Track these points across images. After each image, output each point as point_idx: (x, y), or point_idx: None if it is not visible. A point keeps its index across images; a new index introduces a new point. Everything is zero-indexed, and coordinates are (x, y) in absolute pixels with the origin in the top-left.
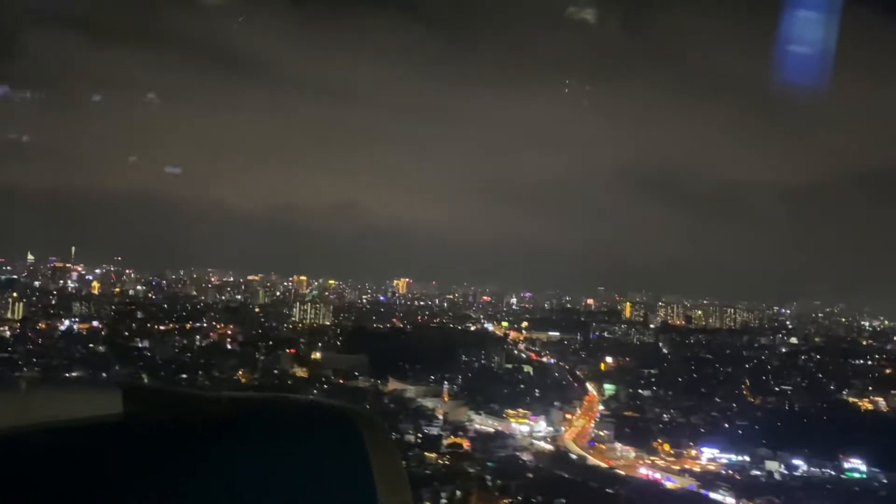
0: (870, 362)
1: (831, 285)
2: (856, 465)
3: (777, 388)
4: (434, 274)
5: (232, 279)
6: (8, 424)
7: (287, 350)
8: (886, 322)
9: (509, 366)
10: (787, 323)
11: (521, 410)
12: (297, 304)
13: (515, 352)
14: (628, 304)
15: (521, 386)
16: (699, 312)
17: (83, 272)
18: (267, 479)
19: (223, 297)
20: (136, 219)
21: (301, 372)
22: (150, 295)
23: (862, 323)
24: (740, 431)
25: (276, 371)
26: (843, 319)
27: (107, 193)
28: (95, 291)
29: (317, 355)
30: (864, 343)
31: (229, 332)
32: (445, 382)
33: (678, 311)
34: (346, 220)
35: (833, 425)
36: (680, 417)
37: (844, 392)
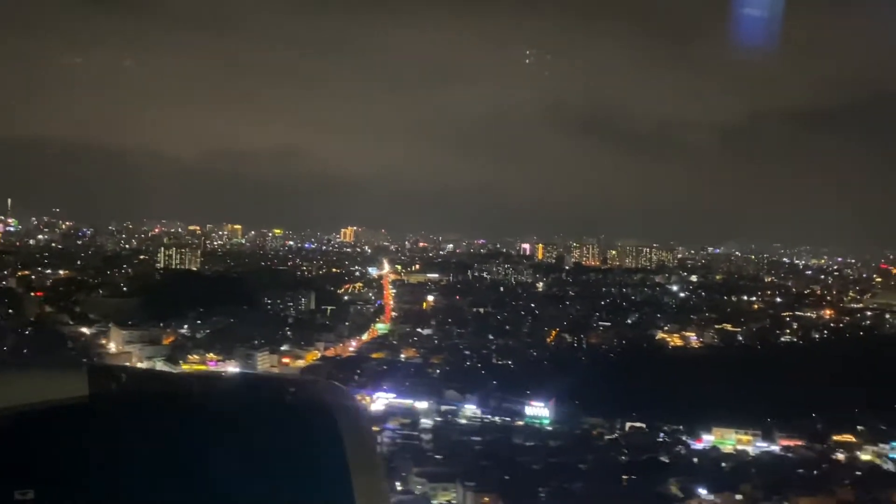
0: (745, 297)
1: (768, 225)
2: (541, 413)
3: (596, 326)
4: (384, 222)
5: (172, 230)
6: None
7: (33, 293)
8: (816, 260)
9: (314, 307)
10: (707, 263)
11: (212, 355)
12: (163, 250)
13: (358, 294)
14: (540, 245)
15: (288, 330)
16: (614, 253)
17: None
18: (237, 457)
19: (124, 247)
20: (73, 169)
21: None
22: (53, 245)
23: (793, 261)
24: (470, 375)
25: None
26: (765, 258)
27: (43, 143)
28: None
29: (81, 298)
30: (767, 280)
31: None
32: (186, 327)
33: (594, 252)
34: (286, 167)
35: (581, 367)
36: (419, 359)
37: (666, 328)
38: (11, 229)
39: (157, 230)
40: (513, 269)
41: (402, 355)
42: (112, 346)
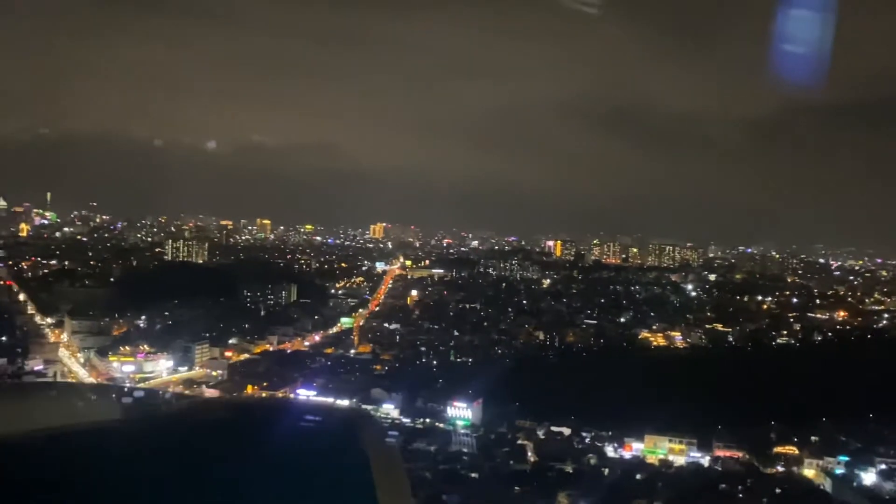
0: (758, 297)
1: (810, 226)
2: (463, 415)
3: (580, 324)
4: (415, 219)
5: (206, 224)
6: (12, 430)
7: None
8: (854, 262)
9: (295, 300)
10: (733, 262)
11: (145, 347)
12: (171, 242)
13: (353, 288)
14: (559, 242)
15: (246, 324)
16: (635, 251)
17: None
18: (267, 481)
19: (144, 239)
20: (113, 165)
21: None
22: (78, 237)
23: (828, 262)
24: (415, 372)
25: None
26: (802, 258)
27: (81, 139)
28: (23, 234)
29: (58, 289)
30: (789, 280)
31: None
32: (144, 318)
33: (615, 250)
34: (320, 163)
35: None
36: (368, 356)
37: (655, 326)
38: (46, 222)
39: (191, 224)
40: (519, 266)
41: (352, 351)
42: (52, 336)
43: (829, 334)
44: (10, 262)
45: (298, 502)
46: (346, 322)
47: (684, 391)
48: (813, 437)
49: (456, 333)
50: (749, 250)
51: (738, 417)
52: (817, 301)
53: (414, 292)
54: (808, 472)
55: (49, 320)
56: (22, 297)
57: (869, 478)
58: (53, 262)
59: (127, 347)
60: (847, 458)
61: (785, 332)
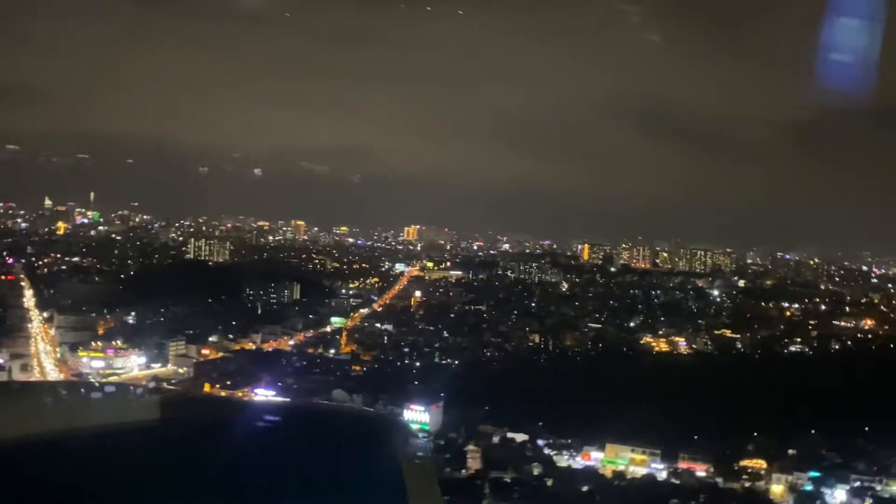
0: (785, 303)
1: (855, 232)
2: (420, 419)
3: (583, 328)
4: (450, 222)
5: (245, 226)
6: (52, 429)
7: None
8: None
9: (297, 298)
10: (767, 268)
11: (119, 343)
12: (193, 241)
13: (365, 288)
14: (586, 246)
15: (233, 321)
16: (665, 255)
17: (86, 216)
18: (300, 484)
19: (175, 238)
20: (153, 166)
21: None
22: (112, 236)
23: (871, 270)
24: (390, 374)
25: None
26: (845, 265)
27: (124, 139)
28: (60, 232)
29: (60, 285)
30: (822, 287)
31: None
32: (133, 314)
33: (644, 255)
34: (356, 165)
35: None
36: (346, 356)
37: (661, 332)
38: (87, 221)
39: (229, 225)
40: (538, 269)
41: (331, 351)
42: (40, 330)
43: (849, 343)
44: (33, 259)
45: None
46: (337, 322)
47: (669, 399)
48: (791, 451)
49: (445, 335)
50: (787, 256)
51: (718, 428)
52: (847, 309)
53: (423, 294)
54: (776, 488)
55: (44, 315)
56: (25, 292)
57: (839, 495)
58: (76, 259)
59: (99, 343)
60: (818, 474)
61: (798, 340)
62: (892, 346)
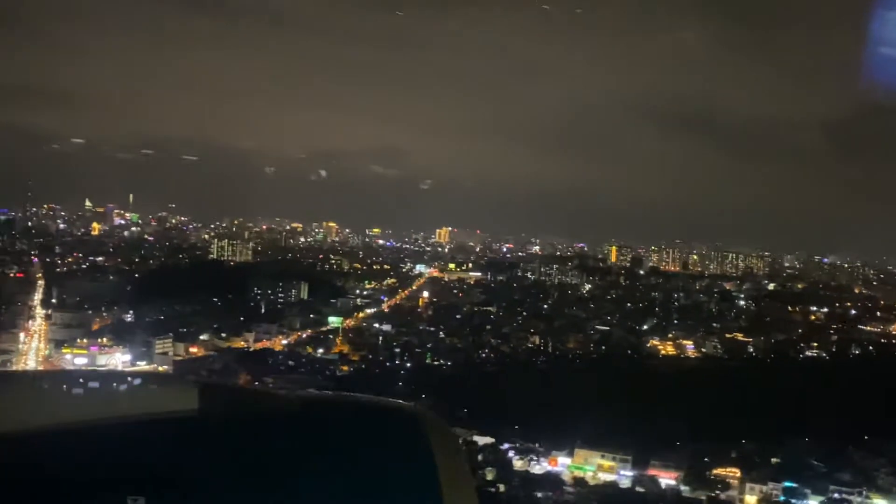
0: (813, 307)
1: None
2: None
3: (589, 330)
4: (482, 224)
5: (275, 226)
6: (93, 418)
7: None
8: None
9: (305, 298)
10: (801, 272)
11: (104, 341)
12: (216, 241)
13: (379, 289)
14: (613, 248)
15: (232, 319)
16: (695, 258)
17: (126, 218)
18: (335, 477)
19: (205, 239)
20: (191, 168)
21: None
22: (145, 236)
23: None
24: (376, 375)
25: None
26: (869, 270)
27: (165, 142)
28: (95, 232)
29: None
30: (857, 291)
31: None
32: (131, 312)
33: (674, 256)
34: (389, 167)
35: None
36: (334, 356)
37: (670, 335)
38: (122, 222)
39: (264, 227)
40: (559, 271)
41: (320, 351)
42: (40, 327)
43: (870, 348)
44: (58, 258)
45: (365, 497)
46: (335, 322)
47: (660, 402)
48: (774, 459)
49: (441, 335)
50: (826, 260)
51: (705, 434)
52: (878, 313)
53: (435, 295)
54: (750, 499)
55: (46, 312)
56: (35, 289)
57: None
58: (100, 258)
59: (85, 340)
60: (794, 485)
61: (815, 345)
62: None
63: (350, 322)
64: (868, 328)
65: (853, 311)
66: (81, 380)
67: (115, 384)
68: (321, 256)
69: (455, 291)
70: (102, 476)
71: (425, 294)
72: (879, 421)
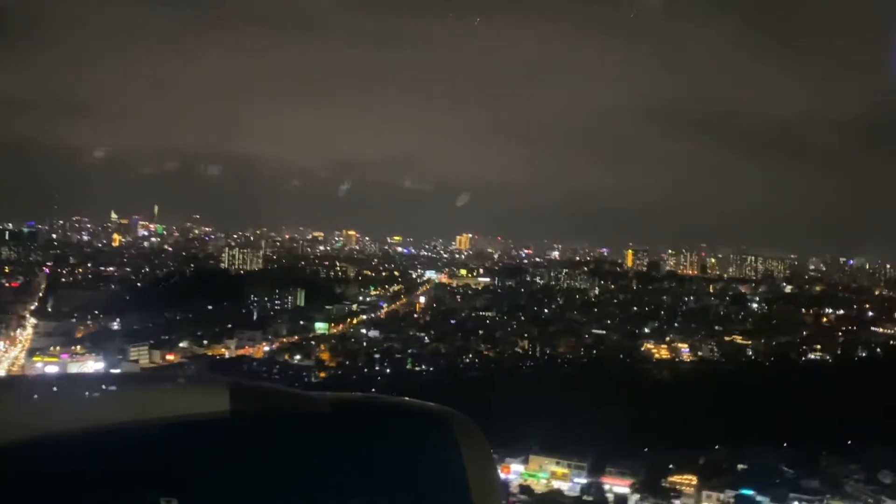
0: (827, 309)
1: None
2: None
3: (583, 334)
4: (502, 229)
5: (298, 235)
6: (125, 419)
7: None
8: None
9: (301, 305)
10: (822, 274)
11: (79, 349)
12: (227, 250)
13: (382, 295)
14: (629, 252)
15: (217, 327)
16: (713, 261)
17: (151, 229)
18: (365, 478)
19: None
20: (212, 178)
21: None
22: (164, 246)
23: None
24: (350, 380)
25: None
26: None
27: (185, 153)
28: (115, 244)
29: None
30: (876, 293)
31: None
32: (118, 320)
33: (691, 260)
34: (408, 175)
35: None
36: (311, 362)
37: (668, 338)
38: (146, 233)
39: (286, 236)
40: (568, 275)
41: (297, 357)
42: (26, 335)
43: (878, 350)
44: (68, 268)
45: (394, 498)
46: (321, 328)
47: (640, 407)
48: (741, 465)
49: (426, 341)
50: (851, 262)
51: (676, 440)
52: (894, 314)
53: (434, 300)
54: None
55: (36, 321)
56: (31, 299)
57: None
58: (111, 268)
59: (57, 348)
60: (750, 492)
61: (819, 347)
62: None
63: (339, 328)
64: (881, 330)
65: (869, 313)
66: (116, 382)
67: (147, 386)
68: (327, 263)
69: (457, 297)
70: (136, 477)
71: (425, 300)
72: (867, 425)
